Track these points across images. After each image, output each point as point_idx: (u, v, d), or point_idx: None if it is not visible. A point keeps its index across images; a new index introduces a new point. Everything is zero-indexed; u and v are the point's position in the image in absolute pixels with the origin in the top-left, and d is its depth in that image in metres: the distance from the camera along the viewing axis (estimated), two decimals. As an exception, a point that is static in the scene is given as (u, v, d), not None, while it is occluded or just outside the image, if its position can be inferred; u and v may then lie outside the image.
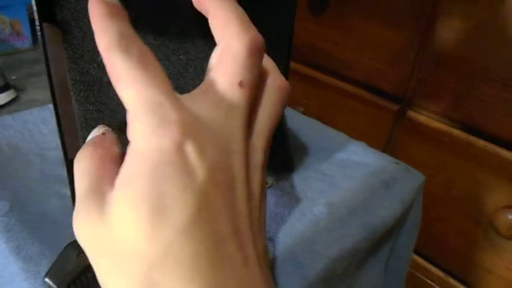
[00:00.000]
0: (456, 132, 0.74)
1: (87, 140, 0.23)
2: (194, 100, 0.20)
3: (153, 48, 0.32)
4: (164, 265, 0.17)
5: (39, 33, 0.30)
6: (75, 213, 0.20)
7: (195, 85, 0.35)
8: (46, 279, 0.32)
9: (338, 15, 0.86)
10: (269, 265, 0.21)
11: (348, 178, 0.50)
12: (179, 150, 0.18)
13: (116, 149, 0.22)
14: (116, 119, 0.35)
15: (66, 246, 0.33)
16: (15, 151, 0.48)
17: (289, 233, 0.42)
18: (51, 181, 0.44)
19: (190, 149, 0.18)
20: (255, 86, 0.22)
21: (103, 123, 0.34)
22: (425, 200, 0.56)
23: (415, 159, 0.79)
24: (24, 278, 0.33)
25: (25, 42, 0.92)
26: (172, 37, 0.33)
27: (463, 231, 0.77)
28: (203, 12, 0.23)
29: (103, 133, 0.23)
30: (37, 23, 0.29)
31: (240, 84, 0.20)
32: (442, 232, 0.81)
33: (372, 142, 0.60)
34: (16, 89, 0.72)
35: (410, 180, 0.52)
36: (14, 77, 0.78)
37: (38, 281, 0.33)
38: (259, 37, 0.22)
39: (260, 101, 0.22)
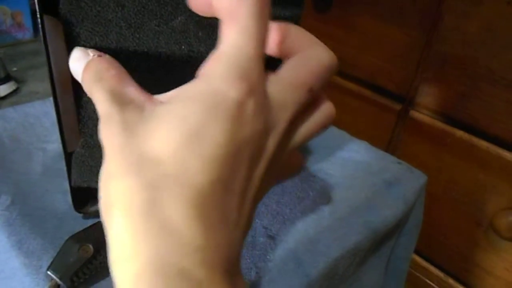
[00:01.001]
0: (459, 132, 0.73)
1: (75, 59, 0.25)
2: (273, 78, 0.22)
3: (155, 35, 0.32)
4: (173, 178, 0.18)
5: (40, 25, 0.29)
6: (102, 120, 0.21)
7: (195, 78, 0.35)
8: (49, 272, 0.31)
9: (342, 14, 0.85)
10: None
11: (350, 178, 0.50)
12: (242, 105, 0.19)
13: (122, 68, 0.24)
14: None
15: (67, 240, 0.33)
16: (16, 144, 0.47)
17: (291, 232, 0.42)
18: (53, 174, 0.44)
19: (251, 105, 0.20)
20: (316, 99, 0.23)
21: None
22: (426, 200, 0.56)
23: (417, 159, 0.79)
24: (26, 273, 0.33)
25: (26, 34, 0.91)
26: (176, 26, 0.32)
27: (464, 231, 0.77)
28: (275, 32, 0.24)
29: (99, 55, 0.25)
30: (38, 15, 0.29)
31: (310, 90, 0.22)
32: (442, 232, 0.81)
33: (375, 141, 0.60)
34: (17, 80, 0.71)
35: (412, 180, 0.52)
36: (15, 69, 0.77)
37: (40, 275, 0.33)
38: (338, 61, 0.24)
39: (309, 116, 0.24)
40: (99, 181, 0.20)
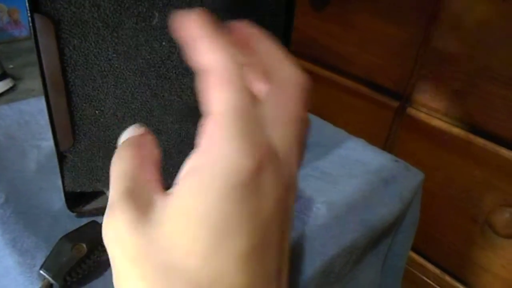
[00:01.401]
0: (456, 130, 0.73)
1: (122, 139, 0.22)
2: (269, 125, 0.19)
3: (134, 33, 0.32)
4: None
5: (30, 24, 0.29)
6: (108, 213, 0.19)
7: (178, 74, 0.35)
8: (42, 272, 0.31)
9: (340, 11, 0.85)
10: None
11: (346, 176, 0.50)
12: (258, 176, 0.17)
13: (156, 151, 0.21)
14: (105, 110, 0.35)
15: (60, 238, 0.33)
16: (11, 141, 0.47)
17: (287, 230, 0.42)
18: (48, 172, 0.43)
19: (268, 176, 0.17)
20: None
21: (94, 115, 0.34)
22: (423, 198, 0.56)
23: (414, 156, 0.78)
24: (20, 272, 0.33)
25: (23, 31, 0.91)
26: (155, 23, 0.32)
27: (460, 229, 0.78)
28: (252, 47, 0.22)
29: (141, 134, 0.22)
30: (28, 13, 0.29)
31: (303, 118, 0.20)
32: (439, 229, 0.81)
33: (372, 138, 0.60)
34: (14, 78, 0.71)
35: (409, 178, 0.52)
36: (11, 66, 0.77)
37: (33, 274, 0.33)
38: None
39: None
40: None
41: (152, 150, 0.21)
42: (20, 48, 0.87)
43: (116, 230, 0.18)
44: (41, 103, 0.55)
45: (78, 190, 0.38)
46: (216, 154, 0.17)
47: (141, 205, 0.18)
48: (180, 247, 0.16)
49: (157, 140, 0.31)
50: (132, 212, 0.18)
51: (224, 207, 0.16)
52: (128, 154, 0.21)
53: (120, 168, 0.20)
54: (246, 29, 0.23)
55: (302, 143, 0.20)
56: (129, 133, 0.22)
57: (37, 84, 0.69)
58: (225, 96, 0.18)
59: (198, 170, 0.17)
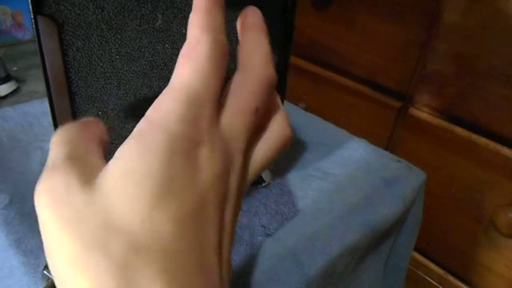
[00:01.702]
0: (458, 129, 0.73)
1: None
2: (221, 110, 0.21)
3: (138, 34, 0.32)
4: (147, 252, 0.16)
5: (33, 26, 0.29)
6: (44, 176, 0.18)
7: None
8: (45, 272, 0.32)
9: (341, 11, 0.85)
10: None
11: (349, 176, 0.50)
12: (195, 149, 0.18)
13: (105, 136, 0.22)
14: (107, 111, 0.35)
15: (65, 239, 0.33)
16: (15, 143, 0.48)
17: (289, 231, 0.42)
18: (52, 174, 0.44)
19: (205, 152, 0.19)
20: (263, 118, 0.22)
21: (97, 115, 0.35)
22: (426, 198, 0.56)
23: (417, 156, 0.78)
24: (24, 272, 0.33)
25: (26, 34, 0.91)
26: (158, 25, 0.32)
27: (464, 229, 0.77)
28: (239, 36, 0.24)
29: (94, 120, 0.23)
30: (31, 15, 0.29)
31: (256, 111, 0.21)
32: (442, 229, 0.81)
33: (374, 138, 0.60)
34: (17, 80, 0.72)
35: (412, 178, 0.52)
36: (15, 69, 0.77)
37: (38, 274, 0.33)
38: (275, 74, 0.23)
39: (261, 139, 0.23)
40: (47, 258, 0.17)
41: (102, 132, 0.22)
42: (23, 50, 0.87)
43: (53, 193, 0.17)
44: (45, 105, 0.55)
45: None
46: (159, 122, 0.18)
47: (83, 171, 0.18)
48: (119, 207, 0.17)
49: None
50: (73, 175, 0.17)
51: (163, 171, 0.17)
52: (74, 127, 0.21)
53: (63, 135, 0.20)
54: (248, 16, 0.24)
55: (251, 134, 0.21)
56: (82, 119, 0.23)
57: (40, 86, 0.70)
58: (187, 72, 0.19)
59: (140, 134, 0.18)
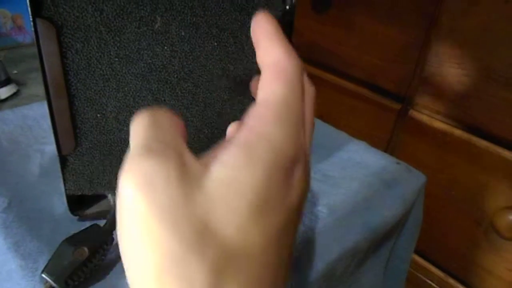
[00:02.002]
0: (458, 132, 0.73)
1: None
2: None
3: (137, 37, 0.32)
4: (238, 261, 0.16)
5: (32, 29, 0.29)
6: (137, 156, 0.17)
7: (179, 78, 0.35)
8: (43, 275, 0.31)
9: (341, 13, 0.85)
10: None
11: (348, 178, 0.50)
12: (294, 166, 0.19)
13: (186, 131, 0.21)
14: (106, 114, 0.35)
15: (62, 242, 0.33)
16: (15, 146, 0.48)
17: (288, 233, 0.41)
18: (51, 177, 0.44)
19: (300, 171, 0.19)
20: None
21: (96, 118, 0.35)
22: (426, 200, 0.55)
23: (417, 159, 0.78)
24: (22, 275, 0.33)
25: (26, 37, 0.91)
26: (157, 27, 0.32)
27: (464, 231, 0.77)
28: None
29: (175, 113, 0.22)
30: (30, 18, 0.29)
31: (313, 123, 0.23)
32: (442, 232, 0.81)
33: (374, 141, 0.60)
34: (17, 83, 0.72)
35: (411, 181, 0.52)
36: (15, 72, 0.77)
37: (36, 278, 0.33)
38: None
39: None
40: (123, 247, 0.17)
41: (182, 124, 0.21)
42: (24, 53, 0.87)
43: (150, 178, 0.16)
44: (44, 107, 0.55)
45: (80, 193, 0.38)
46: (266, 134, 0.19)
47: (180, 164, 0.17)
48: (219, 213, 0.17)
49: None
50: (173, 165, 0.17)
51: (267, 185, 0.18)
52: (165, 113, 0.20)
53: (155, 119, 0.19)
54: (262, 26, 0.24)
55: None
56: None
57: (41, 89, 0.70)
58: (280, 88, 0.20)
59: (246, 144, 0.18)
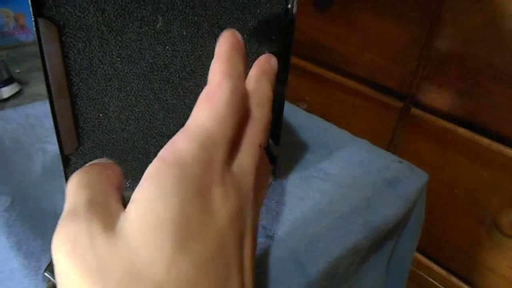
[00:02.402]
0: (461, 130, 0.73)
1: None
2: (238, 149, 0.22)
3: (138, 36, 0.32)
4: None
5: (34, 28, 0.29)
6: (65, 222, 0.18)
7: (181, 78, 0.35)
8: (46, 274, 0.32)
9: (343, 11, 0.85)
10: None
11: (350, 177, 0.50)
12: (210, 188, 0.19)
13: (121, 180, 0.22)
14: (109, 113, 0.35)
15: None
16: (17, 145, 0.48)
17: (290, 232, 0.42)
18: (53, 175, 0.44)
19: (218, 191, 0.19)
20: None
21: (98, 118, 0.35)
22: (429, 199, 0.55)
23: (419, 157, 0.78)
24: (25, 274, 0.33)
25: (29, 36, 0.92)
26: (158, 27, 0.33)
27: (467, 230, 0.77)
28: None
29: (108, 161, 0.23)
30: (32, 17, 0.29)
31: (260, 146, 0.23)
32: (445, 230, 0.81)
33: (376, 139, 0.60)
34: (20, 82, 0.72)
35: (414, 179, 0.52)
36: (18, 71, 0.78)
37: (38, 276, 0.33)
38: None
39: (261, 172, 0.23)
40: None
41: (118, 174, 0.22)
42: (26, 53, 0.88)
43: (74, 241, 0.17)
44: (46, 106, 0.55)
45: None
46: (175, 162, 0.18)
47: (105, 217, 0.18)
48: (143, 255, 0.17)
49: (160, 143, 0.32)
50: (98, 221, 0.17)
51: (182, 213, 0.17)
52: (95, 169, 0.21)
53: (82, 179, 0.20)
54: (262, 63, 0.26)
55: (261, 168, 0.22)
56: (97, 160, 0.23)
57: (43, 88, 0.69)
58: (204, 115, 0.20)
59: (157, 174, 0.18)
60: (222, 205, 0.19)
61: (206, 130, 0.20)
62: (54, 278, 0.31)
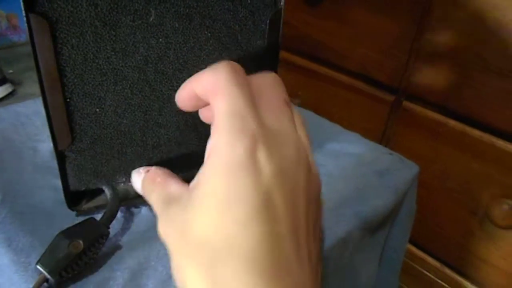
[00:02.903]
0: (452, 122, 0.73)
1: (134, 180, 0.31)
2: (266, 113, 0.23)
3: (132, 30, 0.32)
4: (226, 256, 0.20)
5: (25, 24, 0.30)
6: (159, 219, 0.24)
7: (175, 69, 0.36)
8: (38, 266, 0.32)
9: (334, 6, 0.85)
10: (322, 272, 0.24)
11: (340, 168, 0.50)
12: (252, 155, 0.21)
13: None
14: (105, 107, 0.35)
15: (57, 235, 0.33)
16: (7, 143, 0.48)
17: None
18: (43, 172, 0.44)
19: (262, 154, 0.21)
20: None
21: (95, 113, 0.35)
22: (421, 191, 0.56)
23: (411, 150, 0.79)
24: (15, 270, 0.33)
25: (21, 36, 0.92)
26: (151, 20, 0.33)
27: (459, 221, 0.77)
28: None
29: (146, 171, 0.30)
30: (23, 13, 0.29)
31: (287, 102, 0.24)
32: (437, 222, 0.81)
33: (368, 133, 0.60)
34: (13, 83, 0.72)
35: (404, 171, 0.52)
36: (11, 71, 0.78)
37: (28, 272, 0.33)
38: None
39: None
40: (173, 269, 0.23)
41: (164, 172, 0.28)
42: (19, 53, 0.87)
43: (162, 228, 0.23)
44: (36, 104, 0.55)
45: (84, 188, 0.39)
46: (218, 143, 0.21)
47: (174, 206, 0.23)
48: (199, 223, 0.21)
49: (157, 134, 0.36)
50: (167, 212, 0.23)
51: (226, 185, 0.20)
52: (151, 180, 0.28)
53: (154, 193, 0.26)
54: None
55: (298, 120, 0.24)
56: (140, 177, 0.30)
57: (36, 88, 0.69)
58: (223, 104, 0.22)
59: (208, 166, 0.22)
60: (267, 163, 0.21)
61: (231, 112, 0.22)
62: (45, 271, 0.31)
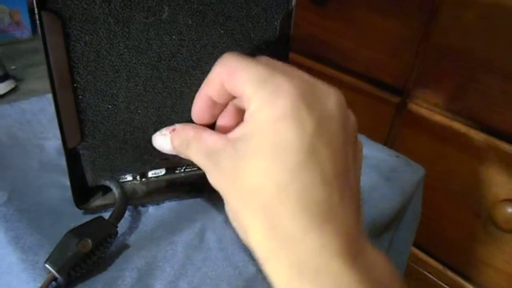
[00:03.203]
0: (457, 125, 0.73)
1: (158, 141, 0.34)
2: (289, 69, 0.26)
3: (145, 27, 0.32)
4: (278, 201, 0.22)
5: (37, 22, 0.29)
6: (208, 170, 0.26)
7: (188, 66, 0.36)
8: (47, 265, 0.32)
9: (340, 6, 0.85)
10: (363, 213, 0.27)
11: (347, 171, 0.50)
12: (293, 107, 0.23)
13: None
14: (118, 104, 0.35)
15: (66, 233, 0.33)
16: (13, 140, 0.47)
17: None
18: (50, 170, 0.44)
19: (302, 106, 0.23)
20: None
21: (107, 110, 0.35)
22: (425, 193, 0.56)
23: (415, 152, 0.78)
24: (23, 268, 0.33)
25: (24, 32, 0.91)
26: (164, 16, 0.33)
27: (462, 224, 0.77)
28: None
29: (172, 130, 0.32)
30: (36, 10, 0.29)
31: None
32: (441, 225, 0.81)
33: (373, 134, 0.60)
34: (16, 79, 0.71)
35: (410, 173, 0.52)
36: (13, 67, 0.77)
37: (36, 271, 0.33)
38: None
39: None
40: (228, 211, 0.25)
41: (192, 126, 0.30)
42: (22, 49, 0.87)
43: (213, 179, 0.26)
44: (42, 102, 0.55)
45: (101, 184, 0.39)
46: (257, 105, 0.24)
47: (220, 156, 0.25)
48: (253, 172, 0.23)
49: None
50: (215, 164, 0.26)
51: (274, 136, 0.23)
52: (185, 135, 0.30)
53: (192, 148, 0.28)
54: None
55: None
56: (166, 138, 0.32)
57: (39, 84, 0.69)
58: (244, 75, 0.25)
59: (250, 117, 0.24)
60: (308, 117, 0.23)
61: (263, 80, 0.24)
62: (54, 269, 0.31)
